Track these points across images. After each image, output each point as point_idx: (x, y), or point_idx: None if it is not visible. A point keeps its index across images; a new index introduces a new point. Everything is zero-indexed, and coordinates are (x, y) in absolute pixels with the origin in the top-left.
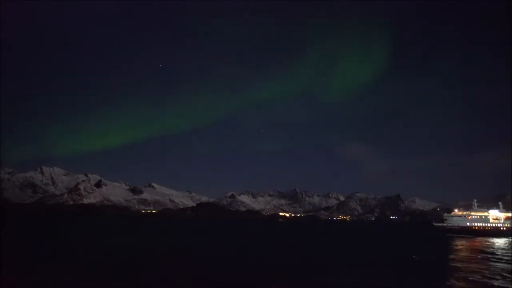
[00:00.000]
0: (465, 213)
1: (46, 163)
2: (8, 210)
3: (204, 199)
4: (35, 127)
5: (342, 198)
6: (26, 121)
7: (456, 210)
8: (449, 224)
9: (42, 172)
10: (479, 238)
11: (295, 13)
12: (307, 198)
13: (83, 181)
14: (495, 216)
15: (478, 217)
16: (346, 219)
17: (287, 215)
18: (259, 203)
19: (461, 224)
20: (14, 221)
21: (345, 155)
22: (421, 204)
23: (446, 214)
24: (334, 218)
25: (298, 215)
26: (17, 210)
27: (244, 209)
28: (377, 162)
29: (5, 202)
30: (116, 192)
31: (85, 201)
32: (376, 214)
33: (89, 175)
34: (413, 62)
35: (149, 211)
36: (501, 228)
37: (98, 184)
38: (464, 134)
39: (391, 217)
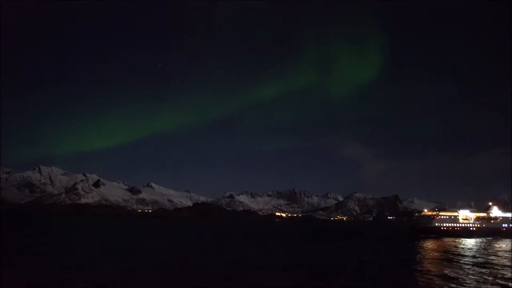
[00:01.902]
0: (434, 213)
1: (45, 162)
2: (4, 210)
3: (202, 199)
4: (34, 127)
5: (340, 198)
6: (25, 121)
7: (426, 210)
8: (419, 224)
9: (40, 172)
10: (447, 239)
11: (294, 13)
12: (305, 198)
13: (81, 180)
14: (465, 216)
15: (447, 217)
16: (343, 219)
17: (284, 215)
18: (257, 203)
19: (430, 224)
20: (6, 221)
21: (344, 155)
22: (419, 204)
23: (416, 214)
24: (332, 218)
25: (295, 215)
26: (13, 210)
27: (242, 209)
28: (376, 163)
29: (3, 202)
30: (114, 192)
31: (83, 200)
32: (374, 214)
33: (88, 175)
34: (412, 62)
35: (146, 211)
36: (471, 228)
37: (97, 184)
38: (464, 134)
39: (389, 217)
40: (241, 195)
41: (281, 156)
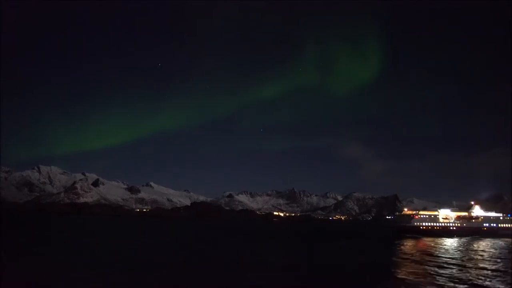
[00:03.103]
0: (413, 212)
1: (44, 162)
2: (3, 209)
3: (202, 198)
4: (33, 126)
5: (340, 198)
6: (25, 120)
7: (405, 209)
8: (399, 224)
9: (39, 171)
10: (426, 238)
11: (294, 13)
12: (305, 198)
13: (80, 180)
14: (445, 215)
15: (427, 216)
16: (341, 218)
17: (282, 214)
18: (257, 203)
19: (410, 223)
20: (6, 221)
21: (344, 155)
22: (418, 204)
23: (397, 213)
24: (330, 218)
25: (293, 214)
26: (12, 209)
27: (241, 209)
28: (376, 163)
29: (2, 201)
30: (113, 191)
31: (82, 200)
32: (373, 214)
33: (87, 174)
34: (412, 62)
35: (144, 210)
36: (451, 228)
37: (96, 183)
38: (464, 134)
39: (387, 217)
40: (240, 195)
41: (281, 156)
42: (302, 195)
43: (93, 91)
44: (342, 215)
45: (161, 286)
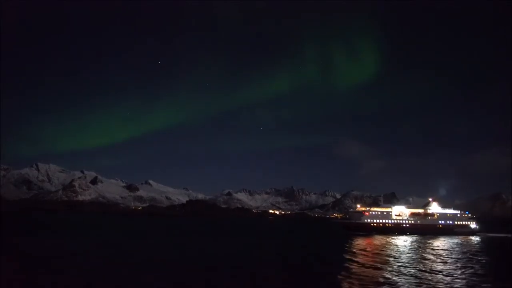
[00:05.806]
0: (366, 208)
1: (43, 160)
2: (1, 207)
3: (200, 196)
4: (32, 125)
5: (338, 196)
6: (24, 119)
7: (359, 206)
8: (351, 221)
9: (38, 169)
10: (377, 236)
11: (294, 12)
12: (303, 196)
13: (79, 178)
14: (398, 212)
15: (379, 213)
16: (337, 216)
17: (277, 212)
18: (255, 201)
19: (360, 220)
20: (4, 219)
21: (343, 153)
22: (417, 202)
23: (351, 210)
24: (327, 216)
25: (289, 212)
26: (10, 207)
27: (240, 206)
28: (375, 161)
29: (0, 199)
30: (111, 189)
31: (80, 197)
32: None
33: (86, 172)
34: (412, 62)
35: (139, 208)
36: (404, 225)
37: (94, 181)
38: (463, 134)
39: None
40: (239, 193)
41: (280, 154)
42: (300, 193)
43: (92, 90)
44: (340, 213)
45: (161, 286)
